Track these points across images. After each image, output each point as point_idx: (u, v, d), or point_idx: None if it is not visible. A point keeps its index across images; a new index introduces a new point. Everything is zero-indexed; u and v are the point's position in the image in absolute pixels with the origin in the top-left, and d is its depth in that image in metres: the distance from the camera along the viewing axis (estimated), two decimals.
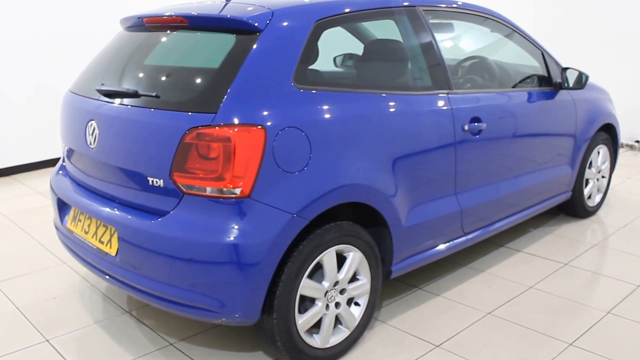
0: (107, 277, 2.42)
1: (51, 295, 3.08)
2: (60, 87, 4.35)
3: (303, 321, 2.31)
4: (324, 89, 2.34)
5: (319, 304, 2.35)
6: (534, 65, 3.56)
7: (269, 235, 2.09)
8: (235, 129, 2.05)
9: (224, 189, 2.06)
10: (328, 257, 2.33)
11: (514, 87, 3.37)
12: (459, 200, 2.90)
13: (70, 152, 2.69)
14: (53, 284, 3.21)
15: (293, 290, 2.23)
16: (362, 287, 2.51)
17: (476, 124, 2.89)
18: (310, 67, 2.37)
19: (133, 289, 2.31)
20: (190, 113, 2.11)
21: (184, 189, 2.12)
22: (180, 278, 2.13)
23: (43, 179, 5.33)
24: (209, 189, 2.08)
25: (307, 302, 2.35)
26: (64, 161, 2.91)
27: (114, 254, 2.33)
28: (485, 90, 3.16)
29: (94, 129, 2.43)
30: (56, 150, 5.81)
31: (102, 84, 2.51)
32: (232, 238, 2.06)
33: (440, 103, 2.76)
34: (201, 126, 2.07)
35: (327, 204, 2.25)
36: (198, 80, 2.27)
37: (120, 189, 2.35)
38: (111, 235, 2.36)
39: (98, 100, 2.47)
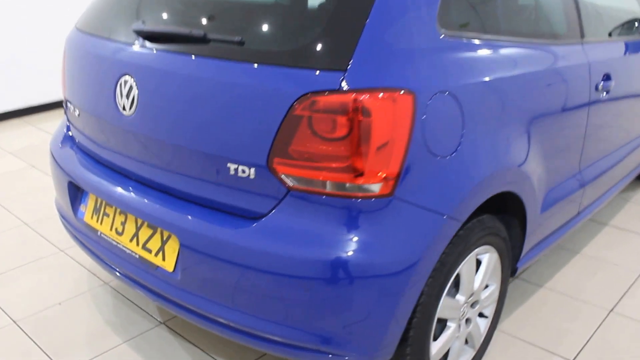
0: (158, 298, 1.74)
1: (55, 300, 2.37)
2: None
3: (437, 350, 1.73)
4: (475, 37, 1.67)
5: (453, 325, 1.77)
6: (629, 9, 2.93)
7: (419, 248, 1.46)
8: (376, 96, 1.37)
9: (355, 185, 1.40)
10: (468, 265, 1.73)
11: (610, 35, 2.75)
12: (582, 176, 2.33)
13: (85, 117, 1.92)
14: (53, 282, 2.49)
15: (432, 314, 1.63)
16: (492, 294, 1.94)
17: (607, 82, 2.28)
18: (454, 2, 1.65)
19: (203, 318, 1.64)
20: (302, 69, 1.40)
21: (289, 183, 1.44)
22: (283, 310, 1.48)
23: (13, 135, 4.42)
24: (329, 185, 1.41)
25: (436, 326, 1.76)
26: (69, 129, 2.14)
27: (170, 269, 1.65)
28: (608, 40, 2.52)
29: (130, 88, 1.68)
30: (28, 98, 4.86)
31: (143, 22, 1.74)
32: (368, 256, 1.41)
33: (578, 55, 2.12)
34: (321, 91, 1.37)
35: (482, 198, 1.62)
36: (310, 19, 1.51)
37: (180, 178, 1.64)
38: (164, 243, 1.67)
39: (136, 46, 1.71)
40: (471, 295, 1.79)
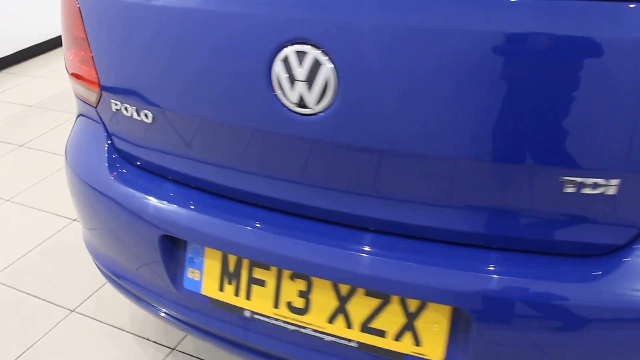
0: None
1: None
2: None
3: None
4: None
5: None
6: None
7: None
8: None
9: None
10: None
11: None
12: None
13: (180, 124, 1.09)
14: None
15: None
16: None
17: None
18: None
19: None
20: None
21: None
22: None
23: None
24: None
25: None
26: (115, 147, 1.27)
27: (436, 358, 0.98)
28: None
29: (315, 67, 0.91)
30: None
31: None
32: None
33: None
34: None
35: None
36: None
37: (450, 213, 0.93)
38: (411, 317, 0.98)
39: None
40: None
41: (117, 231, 1.27)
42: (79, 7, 1.18)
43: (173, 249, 1.19)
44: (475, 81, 0.82)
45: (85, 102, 1.31)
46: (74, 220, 2.33)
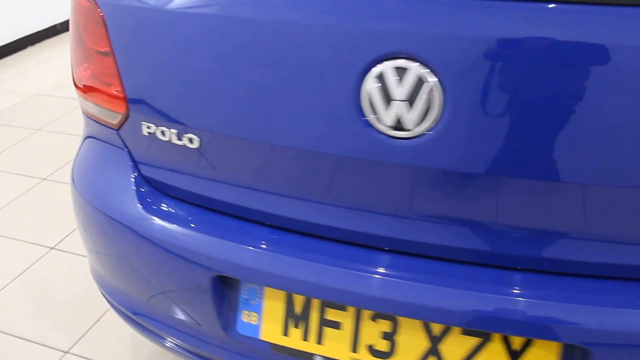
0: None
1: None
2: None
3: None
4: None
5: None
6: None
7: None
8: None
9: None
10: None
11: None
12: None
13: (238, 149, 0.95)
14: None
15: None
16: None
17: None
18: None
19: None
20: None
21: None
22: None
23: None
24: None
25: None
26: (141, 176, 1.11)
27: None
28: None
29: (417, 85, 0.79)
30: None
31: None
32: None
33: None
34: None
35: None
36: None
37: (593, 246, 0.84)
38: (516, 356, 0.90)
39: None
40: None
41: (149, 271, 1.11)
42: (102, 16, 1.02)
43: (224, 289, 1.05)
44: (615, 101, 0.74)
45: (101, 124, 1.14)
46: (52, 248, 2.11)
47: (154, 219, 1.06)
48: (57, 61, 4.15)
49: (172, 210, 1.08)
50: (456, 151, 0.82)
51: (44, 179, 2.58)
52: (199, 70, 0.93)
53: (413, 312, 0.91)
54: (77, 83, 1.16)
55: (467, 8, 0.78)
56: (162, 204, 1.09)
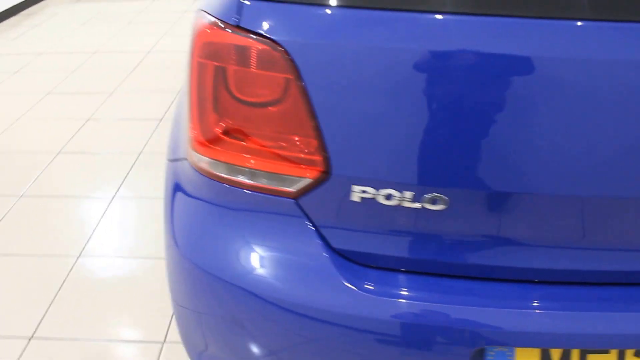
0: None
1: None
2: None
3: None
4: None
5: None
6: None
7: None
8: None
9: None
10: None
11: None
12: None
13: (473, 204, 0.86)
14: None
15: None
16: None
17: None
18: None
19: None
20: None
21: None
22: None
23: None
24: None
25: None
26: (327, 240, 0.95)
27: None
28: None
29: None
30: None
31: None
32: None
33: None
34: None
35: None
36: None
37: None
38: None
39: None
40: None
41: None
42: (287, 58, 0.85)
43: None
44: None
45: (260, 193, 0.95)
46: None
47: (377, 299, 0.91)
48: None
49: (387, 285, 0.94)
50: None
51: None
52: (446, 115, 0.81)
53: None
54: (203, 132, 0.95)
55: None
56: (373, 280, 0.94)
